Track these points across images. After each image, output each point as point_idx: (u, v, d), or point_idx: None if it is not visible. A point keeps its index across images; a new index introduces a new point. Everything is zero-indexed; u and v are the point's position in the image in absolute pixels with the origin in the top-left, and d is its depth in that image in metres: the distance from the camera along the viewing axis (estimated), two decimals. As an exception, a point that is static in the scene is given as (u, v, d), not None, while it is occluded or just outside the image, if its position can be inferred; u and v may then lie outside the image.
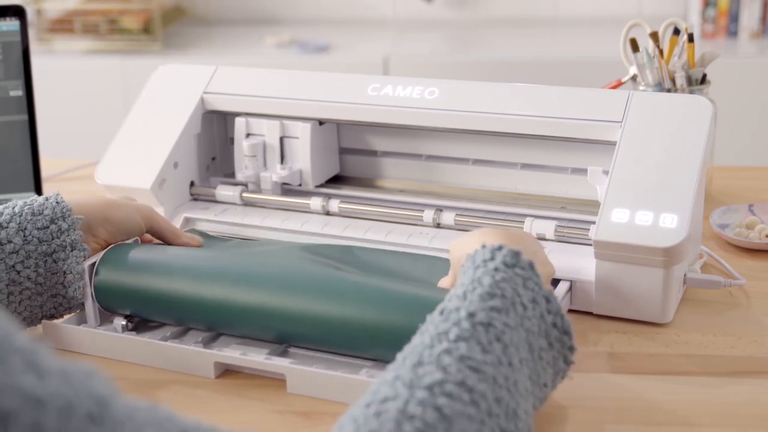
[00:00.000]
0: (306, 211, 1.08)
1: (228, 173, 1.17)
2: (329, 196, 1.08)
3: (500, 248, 0.72)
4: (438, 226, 1.03)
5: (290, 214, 1.08)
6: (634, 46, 1.20)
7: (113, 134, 1.12)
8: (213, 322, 0.86)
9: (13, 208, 0.86)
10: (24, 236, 0.85)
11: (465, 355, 0.62)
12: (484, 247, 0.73)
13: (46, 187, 1.24)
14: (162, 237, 0.95)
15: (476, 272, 0.70)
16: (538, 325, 0.70)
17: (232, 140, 1.16)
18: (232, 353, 0.83)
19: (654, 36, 1.19)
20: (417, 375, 0.60)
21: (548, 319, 0.71)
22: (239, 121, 1.11)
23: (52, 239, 0.86)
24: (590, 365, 0.84)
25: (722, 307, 0.94)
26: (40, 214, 0.86)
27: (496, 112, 1.00)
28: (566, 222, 0.99)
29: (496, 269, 0.70)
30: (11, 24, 1.16)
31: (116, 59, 2.49)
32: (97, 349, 0.87)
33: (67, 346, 0.88)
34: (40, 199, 0.88)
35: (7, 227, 0.85)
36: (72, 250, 0.86)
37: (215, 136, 1.17)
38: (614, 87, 1.21)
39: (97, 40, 2.57)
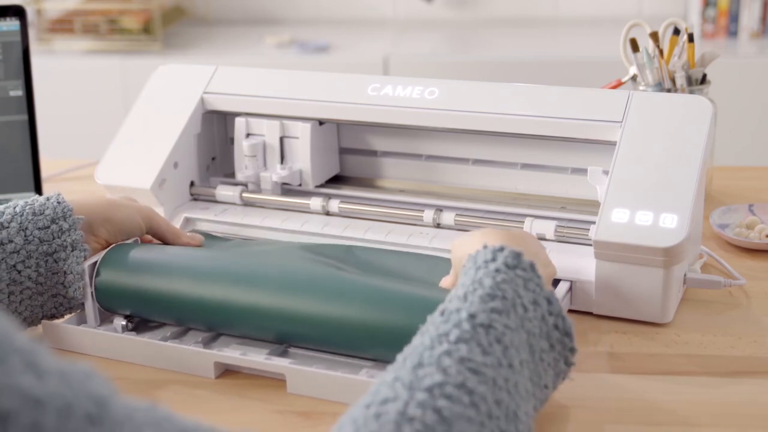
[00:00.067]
0: (306, 211, 1.08)
1: (228, 173, 1.17)
2: (329, 196, 1.08)
3: (502, 249, 0.72)
4: (438, 226, 1.03)
5: (290, 214, 1.08)
6: (634, 46, 1.20)
7: (113, 134, 1.12)
8: (213, 322, 0.86)
9: (14, 207, 0.86)
10: (25, 236, 0.85)
11: (465, 357, 0.62)
12: (485, 247, 0.73)
13: (46, 187, 1.25)
14: (162, 238, 0.95)
15: (477, 273, 0.70)
16: (539, 326, 0.70)
17: (232, 140, 1.16)
18: (232, 353, 0.83)
19: (654, 36, 1.19)
20: (417, 376, 0.60)
21: (549, 320, 0.71)
22: (239, 121, 1.11)
23: (53, 239, 0.86)
24: (590, 365, 0.84)
25: (722, 307, 0.94)
26: (41, 214, 0.86)
27: (496, 112, 1.00)
28: (566, 222, 0.99)
29: (497, 270, 0.70)
30: (11, 24, 1.16)
31: (116, 59, 2.49)
32: (97, 349, 0.87)
33: (67, 346, 0.88)
34: (42, 198, 0.88)
35: (8, 227, 0.85)
36: (73, 250, 0.86)
37: (215, 136, 1.17)
38: (614, 87, 1.21)
39: (97, 40, 2.57)
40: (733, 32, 2.48)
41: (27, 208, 0.86)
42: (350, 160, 1.16)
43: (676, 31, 1.20)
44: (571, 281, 0.92)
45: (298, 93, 1.09)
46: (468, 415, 0.59)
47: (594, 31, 2.62)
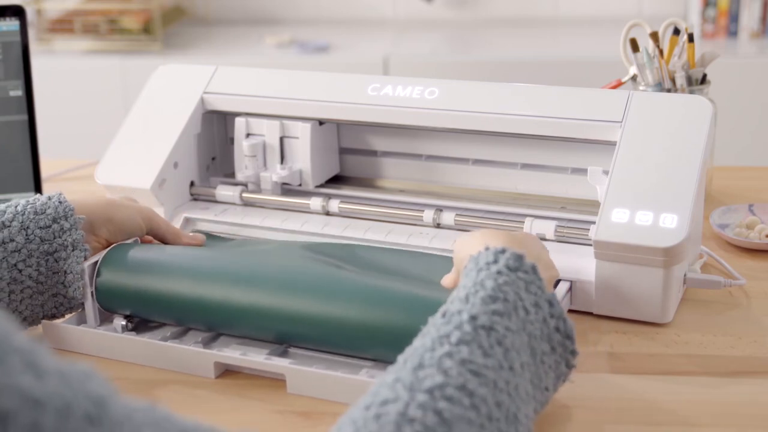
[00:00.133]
0: (306, 211, 1.08)
1: (228, 173, 1.17)
2: (329, 196, 1.08)
3: (503, 251, 0.72)
4: (438, 226, 1.03)
5: (290, 214, 1.08)
6: (634, 46, 1.20)
7: (113, 134, 1.12)
8: (213, 322, 0.86)
9: (16, 206, 0.87)
10: (26, 235, 0.85)
11: (466, 359, 0.62)
12: (487, 249, 0.73)
13: (46, 187, 1.25)
14: (162, 239, 0.95)
15: (479, 275, 0.70)
16: (540, 329, 0.70)
17: (232, 140, 1.16)
18: (232, 353, 0.83)
19: (654, 36, 1.19)
20: (417, 378, 0.60)
21: (551, 323, 0.71)
22: (239, 121, 1.11)
23: (54, 238, 0.86)
24: (590, 365, 0.84)
25: (722, 307, 0.94)
26: (42, 213, 0.86)
27: (496, 112, 1.00)
28: (566, 222, 0.99)
29: (498, 272, 0.70)
30: (11, 24, 1.16)
31: (116, 59, 2.49)
32: (97, 349, 0.87)
33: (67, 346, 0.88)
34: (43, 198, 0.88)
35: (9, 226, 0.85)
36: (73, 250, 0.86)
37: (215, 136, 1.17)
38: (614, 87, 1.21)
39: (97, 40, 2.57)
40: (733, 32, 2.48)
41: (29, 207, 0.86)
42: (350, 160, 1.16)
43: (676, 31, 1.19)
44: (571, 281, 0.92)
45: (298, 93, 1.09)
46: (468, 417, 0.59)
47: (594, 31, 2.62)
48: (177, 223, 1.08)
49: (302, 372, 0.79)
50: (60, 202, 0.87)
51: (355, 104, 1.05)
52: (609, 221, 0.89)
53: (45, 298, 0.87)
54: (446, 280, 0.83)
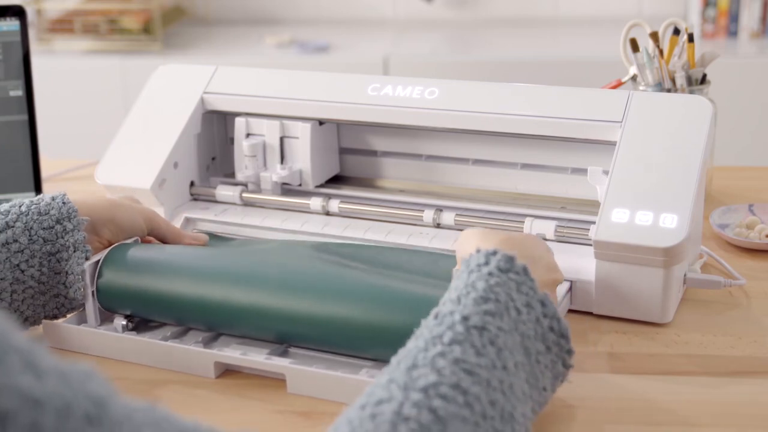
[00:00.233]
0: (306, 211, 1.08)
1: (228, 173, 1.17)
2: (329, 196, 1.08)
3: (495, 253, 0.72)
4: (438, 226, 1.03)
5: (290, 214, 1.08)
6: (634, 46, 1.20)
7: (113, 134, 1.12)
8: (213, 322, 0.86)
9: (20, 207, 0.87)
10: (29, 236, 0.85)
11: (459, 358, 0.62)
12: (478, 251, 0.73)
13: (46, 187, 1.24)
14: (163, 239, 0.95)
15: (470, 277, 0.71)
16: (533, 329, 0.70)
17: (232, 140, 1.16)
18: (232, 353, 0.83)
19: (654, 36, 1.19)
20: (411, 377, 0.60)
21: (544, 323, 0.71)
22: (239, 121, 1.11)
23: (57, 239, 0.86)
24: (590, 365, 0.84)
25: (722, 307, 0.94)
26: (46, 214, 0.86)
27: (496, 112, 1.00)
28: (566, 222, 0.99)
29: (490, 274, 0.70)
30: (11, 24, 1.16)
31: (116, 59, 2.49)
32: (97, 349, 0.87)
33: (68, 346, 0.88)
34: (47, 198, 0.88)
35: (13, 226, 0.85)
36: (75, 251, 0.86)
37: (215, 136, 1.17)
38: (614, 87, 1.21)
39: (97, 40, 2.57)
40: (733, 32, 2.48)
41: (32, 207, 0.86)
42: (350, 160, 1.16)
43: (676, 31, 1.19)
44: (571, 281, 0.92)
45: (298, 93, 1.09)
46: (463, 415, 0.59)
47: (594, 31, 2.62)
48: (177, 223, 1.08)
49: (302, 372, 0.79)
50: (63, 203, 0.87)
51: (355, 104, 1.05)
52: (609, 221, 0.89)
53: (46, 299, 0.87)
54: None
